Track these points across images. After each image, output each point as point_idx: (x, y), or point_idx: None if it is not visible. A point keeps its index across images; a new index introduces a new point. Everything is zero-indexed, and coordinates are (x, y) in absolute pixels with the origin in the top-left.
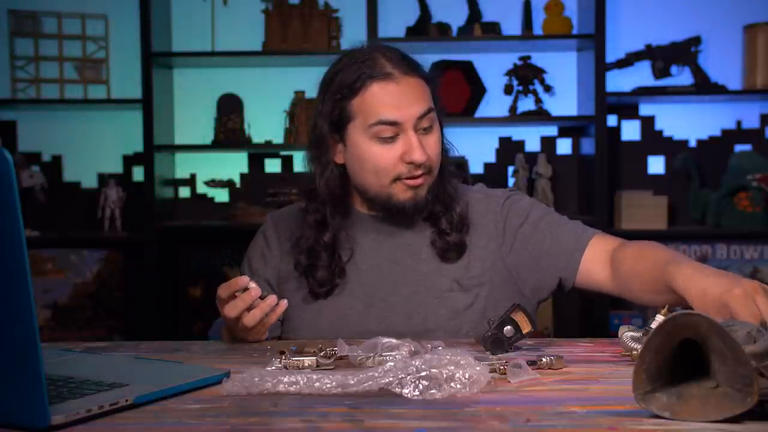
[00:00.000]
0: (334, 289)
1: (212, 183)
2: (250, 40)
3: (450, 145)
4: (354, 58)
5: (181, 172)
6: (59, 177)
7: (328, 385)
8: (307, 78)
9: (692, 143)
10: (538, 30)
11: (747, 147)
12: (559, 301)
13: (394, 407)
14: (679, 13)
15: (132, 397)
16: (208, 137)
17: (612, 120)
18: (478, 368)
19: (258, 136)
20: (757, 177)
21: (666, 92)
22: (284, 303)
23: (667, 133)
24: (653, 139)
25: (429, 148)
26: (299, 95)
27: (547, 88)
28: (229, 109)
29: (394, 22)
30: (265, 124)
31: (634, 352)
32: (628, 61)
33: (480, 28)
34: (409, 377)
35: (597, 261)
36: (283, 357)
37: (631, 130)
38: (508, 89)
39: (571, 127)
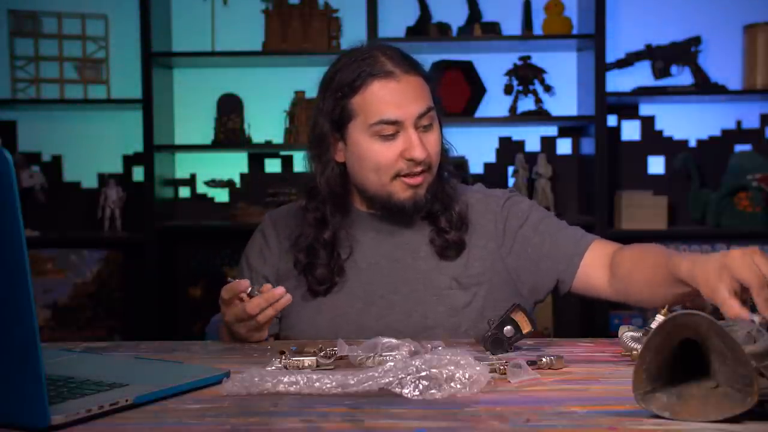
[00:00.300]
0: (333, 287)
1: (212, 183)
2: (250, 40)
3: (449, 145)
4: (354, 57)
5: (181, 172)
6: (59, 177)
7: (328, 385)
8: (307, 78)
9: (692, 143)
10: (538, 30)
11: (747, 147)
12: (559, 301)
13: (394, 407)
14: (679, 13)
15: (132, 397)
16: (208, 137)
17: (612, 120)
18: (478, 368)
19: (258, 136)
20: (757, 177)
21: (666, 92)
22: (289, 297)
23: (667, 133)
24: (653, 139)
25: (429, 145)
26: (299, 95)
27: (547, 88)
28: (229, 109)
29: (394, 22)
30: (265, 124)
31: (634, 352)
32: (628, 61)
33: (480, 28)
34: (409, 377)
35: (596, 265)
36: (283, 357)
37: (631, 130)
38: (508, 89)
39: (571, 127)
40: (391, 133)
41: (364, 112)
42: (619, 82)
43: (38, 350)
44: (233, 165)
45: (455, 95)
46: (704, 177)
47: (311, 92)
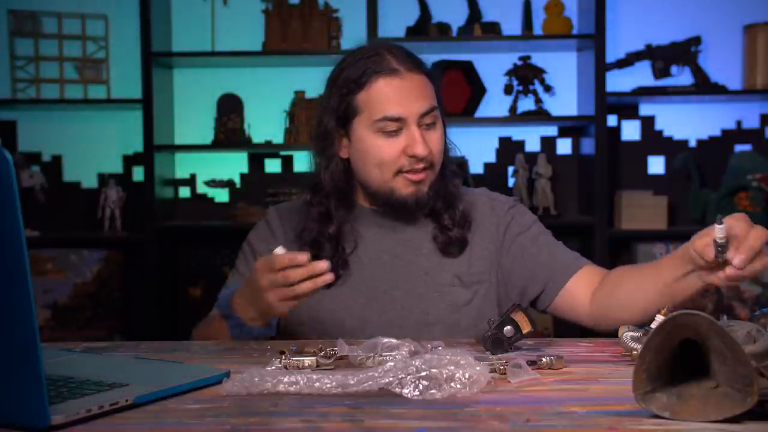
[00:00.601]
0: (337, 281)
1: (212, 183)
2: (250, 40)
3: (452, 145)
4: (360, 55)
5: (181, 172)
6: (59, 177)
7: (328, 385)
8: (307, 78)
9: (692, 143)
10: (538, 30)
11: (747, 147)
12: None
13: (394, 407)
14: (679, 13)
15: (132, 397)
16: (208, 137)
17: (612, 120)
18: (478, 368)
19: (258, 136)
20: (757, 177)
21: (666, 92)
22: (330, 277)
23: (667, 133)
24: (653, 139)
25: (431, 143)
26: (299, 95)
27: (547, 88)
28: (229, 109)
29: (394, 22)
30: (265, 124)
31: (634, 352)
32: (628, 61)
33: (480, 28)
34: (409, 377)
35: (582, 285)
36: (283, 357)
37: (631, 130)
38: (508, 89)
39: (571, 127)
40: (394, 130)
41: (368, 108)
42: (619, 82)
43: (38, 350)
44: (233, 165)
45: (455, 95)
46: (704, 177)
47: (311, 92)
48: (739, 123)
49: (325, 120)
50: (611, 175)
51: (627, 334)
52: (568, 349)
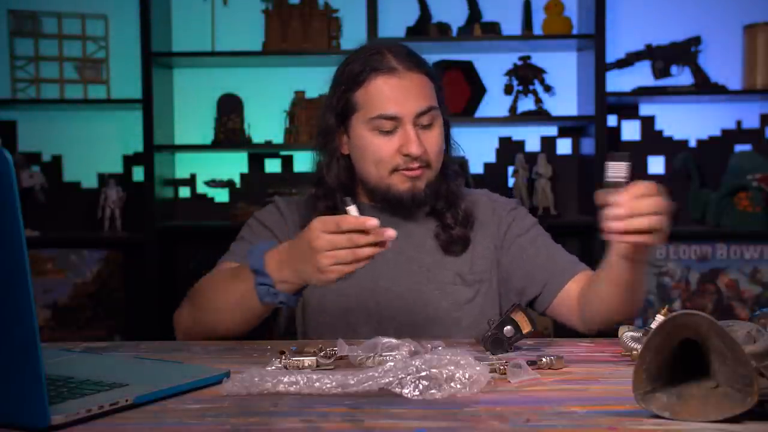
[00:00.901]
0: None
1: (212, 183)
2: (250, 40)
3: (456, 145)
4: (363, 53)
5: (181, 172)
6: (59, 177)
7: (328, 385)
8: (307, 78)
9: (692, 143)
10: (538, 30)
11: (747, 147)
12: None
13: (394, 407)
14: (679, 13)
15: (132, 397)
16: (208, 137)
17: (612, 120)
18: (478, 368)
19: (258, 136)
20: (757, 177)
21: (666, 92)
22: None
23: (667, 133)
24: (653, 139)
25: (428, 143)
26: (299, 95)
27: (547, 88)
28: (229, 109)
29: (394, 22)
30: (265, 124)
31: (634, 352)
32: (628, 61)
33: (480, 28)
34: (409, 377)
35: (578, 290)
36: (283, 357)
37: (631, 130)
38: (508, 89)
39: (571, 127)
40: (389, 129)
41: (365, 106)
42: (619, 82)
43: (38, 350)
44: (233, 165)
45: (455, 95)
46: (704, 177)
47: (311, 92)
48: (739, 123)
49: (327, 116)
50: None
51: (627, 334)
52: (568, 349)
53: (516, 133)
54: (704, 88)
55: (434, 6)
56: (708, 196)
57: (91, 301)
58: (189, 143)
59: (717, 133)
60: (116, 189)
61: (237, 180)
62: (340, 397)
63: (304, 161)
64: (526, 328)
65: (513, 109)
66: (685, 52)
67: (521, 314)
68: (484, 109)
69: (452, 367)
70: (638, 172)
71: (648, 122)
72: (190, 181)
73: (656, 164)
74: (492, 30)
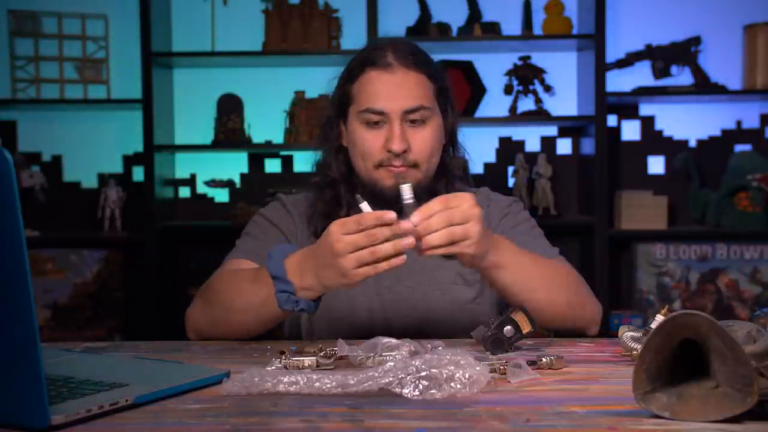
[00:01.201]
0: None
1: (212, 183)
2: (250, 40)
3: (461, 147)
4: (368, 46)
5: (181, 172)
6: (59, 177)
7: (328, 385)
8: (307, 78)
9: (692, 143)
10: (538, 30)
11: (747, 147)
12: None
13: (394, 407)
14: (679, 13)
15: (132, 397)
16: (208, 137)
17: (612, 120)
18: (478, 368)
19: (258, 136)
20: (757, 177)
21: (666, 92)
22: (411, 241)
23: (667, 133)
24: (653, 139)
25: (415, 142)
26: (299, 95)
27: (547, 88)
28: (229, 109)
29: (394, 22)
30: (265, 124)
31: (634, 352)
32: (628, 61)
33: (480, 28)
34: (409, 377)
35: None
36: (283, 357)
37: (631, 130)
38: (508, 89)
39: (571, 127)
40: (376, 122)
41: (358, 98)
42: (619, 82)
43: (38, 350)
44: (233, 165)
45: (455, 95)
46: (704, 177)
47: (311, 92)
48: (739, 123)
49: (330, 108)
50: (611, 175)
51: (627, 334)
52: (568, 349)
53: (516, 133)
54: (704, 88)
55: (434, 6)
56: (708, 196)
57: (91, 301)
58: (189, 143)
59: (717, 133)
60: (116, 189)
61: (237, 180)
62: (340, 397)
63: (304, 161)
64: (526, 328)
65: (513, 109)
66: (685, 52)
67: (521, 314)
68: (484, 109)
69: (452, 367)
70: (639, 172)
71: (648, 122)
72: (190, 181)
73: (656, 164)
74: (492, 30)
